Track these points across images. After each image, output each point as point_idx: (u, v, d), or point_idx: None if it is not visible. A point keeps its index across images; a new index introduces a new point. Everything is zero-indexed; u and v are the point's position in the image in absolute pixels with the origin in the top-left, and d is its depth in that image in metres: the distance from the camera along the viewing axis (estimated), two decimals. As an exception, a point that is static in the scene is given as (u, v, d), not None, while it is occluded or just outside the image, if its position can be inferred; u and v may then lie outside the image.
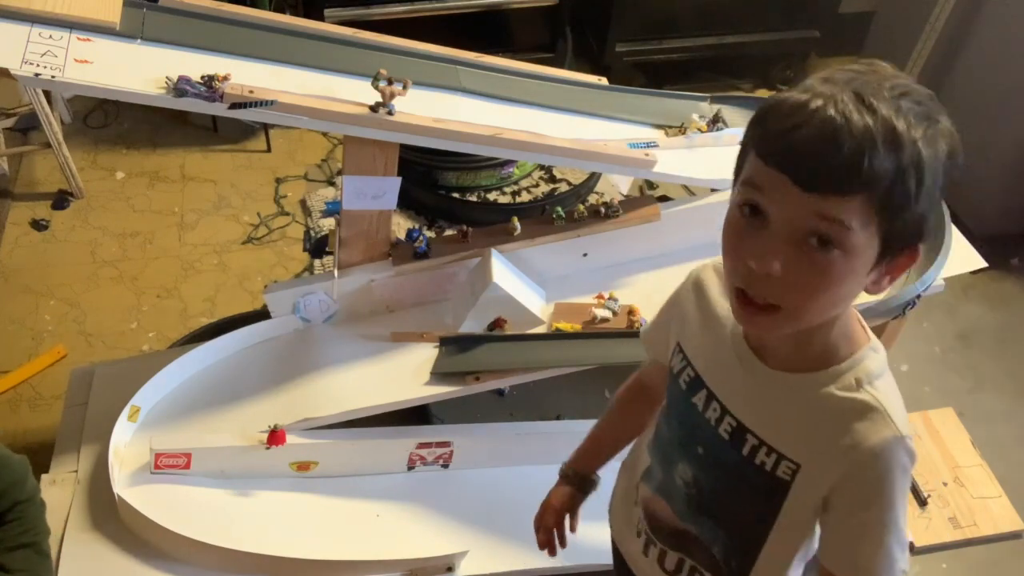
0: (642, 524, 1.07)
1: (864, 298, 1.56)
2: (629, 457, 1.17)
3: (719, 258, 0.90)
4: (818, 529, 0.92)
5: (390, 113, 1.44)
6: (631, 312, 1.66)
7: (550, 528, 1.23)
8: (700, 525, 0.99)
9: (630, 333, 1.63)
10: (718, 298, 0.94)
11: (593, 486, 1.23)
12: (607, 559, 1.64)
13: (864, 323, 0.87)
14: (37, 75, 1.27)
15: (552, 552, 1.24)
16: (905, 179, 0.69)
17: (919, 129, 0.70)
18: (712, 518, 0.97)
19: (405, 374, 1.63)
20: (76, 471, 1.67)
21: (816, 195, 0.70)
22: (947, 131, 0.73)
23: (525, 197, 2.09)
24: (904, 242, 0.75)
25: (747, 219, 0.76)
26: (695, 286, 0.98)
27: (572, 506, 1.23)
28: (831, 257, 0.72)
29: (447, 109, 1.58)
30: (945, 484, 2.07)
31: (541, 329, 1.67)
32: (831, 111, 0.69)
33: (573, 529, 1.24)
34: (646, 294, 1.71)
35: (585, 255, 1.76)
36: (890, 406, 0.81)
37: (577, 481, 1.22)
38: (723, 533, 0.97)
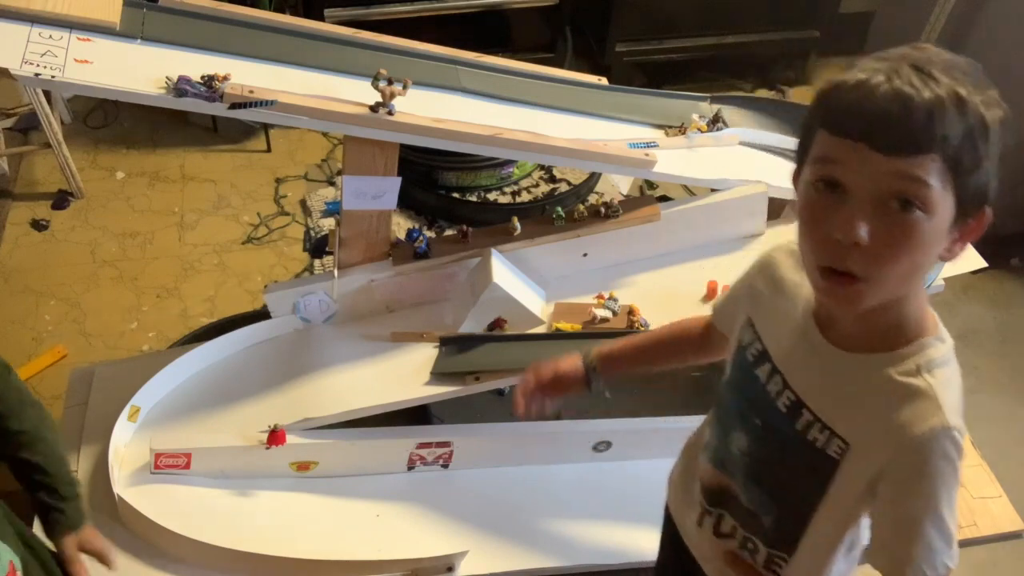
0: (699, 496, 1.09)
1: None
2: (692, 437, 1.19)
3: (791, 241, 0.93)
4: (866, 523, 0.93)
5: (390, 113, 1.44)
6: (631, 312, 1.66)
7: (542, 382, 1.21)
8: (752, 494, 1.01)
9: (630, 333, 1.63)
10: (790, 276, 0.97)
11: (595, 387, 1.22)
12: (607, 559, 1.64)
13: (935, 314, 0.88)
14: (37, 75, 1.27)
15: (518, 407, 1.21)
16: (974, 138, 0.74)
17: (978, 95, 0.75)
18: (764, 488, 0.99)
19: (405, 374, 1.63)
20: (76, 471, 1.67)
21: (895, 157, 0.73)
22: (996, 100, 0.77)
23: (525, 197, 2.09)
24: (975, 204, 0.78)
25: (824, 195, 0.78)
26: (767, 265, 1.01)
27: (568, 386, 1.21)
28: (914, 218, 0.74)
29: (447, 109, 1.58)
30: (945, 484, 2.07)
31: (541, 329, 1.67)
32: (897, 81, 0.73)
33: (547, 410, 1.22)
34: (646, 294, 1.71)
35: (585, 255, 1.76)
36: (944, 396, 0.82)
37: (590, 368, 1.21)
38: (774, 504, 0.99)
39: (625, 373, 1.24)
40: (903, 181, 0.73)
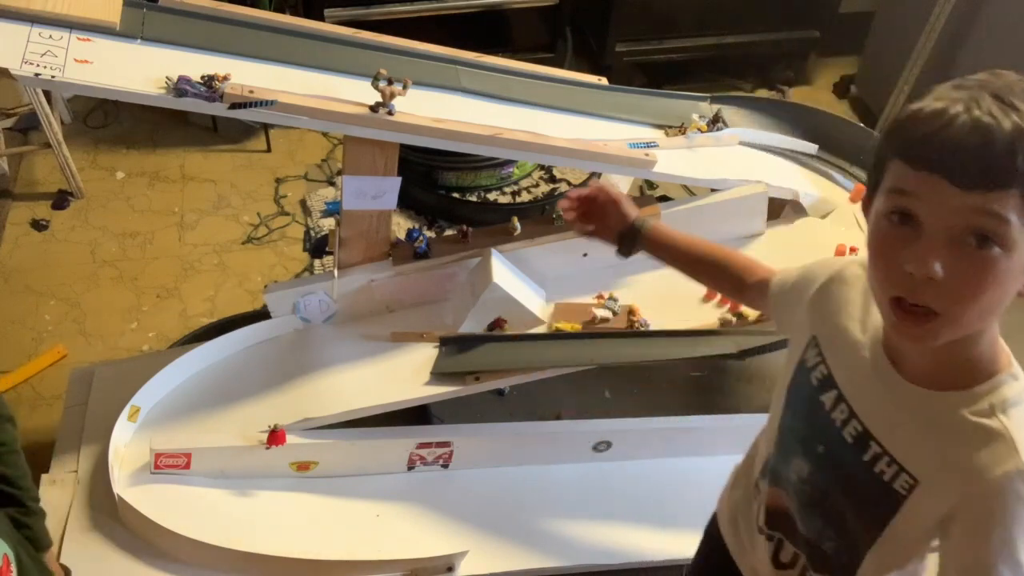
0: (760, 520, 1.07)
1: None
2: (745, 460, 1.17)
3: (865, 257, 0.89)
4: (928, 556, 0.91)
5: (390, 113, 1.44)
6: (631, 312, 1.66)
7: (604, 195, 1.25)
8: (812, 521, 0.99)
9: (630, 333, 1.63)
10: (861, 299, 0.93)
11: (630, 249, 1.24)
12: (607, 559, 1.64)
13: (1008, 349, 0.86)
14: (37, 75, 1.27)
15: (565, 210, 1.28)
16: None
17: None
18: (824, 516, 0.97)
19: (405, 374, 1.63)
20: (76, 471, 1.67)
21: (974, 192, 0.71)
22: None
23: (525, 197, 2.10)
24: None
25: (897, 228, 0.76)
26: (837, 282, 0.97)
27: (609, 225, 1.25)
28: (991, 254, 0.72)
29: (447, 109, 1.58)
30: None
31: (541, 329, 1.67)
32: (976, 111, 0.71)
33: (581, 217, 1.28)
34: (646, 294, 1.71)
35: (585, 255, 1.76)
36: (1019, 438, 0.80)
37: (636, 228, 1.23)
38: (832, 532, 0.97)
39: (660, 258, 1.24)
40: (981, 217, 0.71)
